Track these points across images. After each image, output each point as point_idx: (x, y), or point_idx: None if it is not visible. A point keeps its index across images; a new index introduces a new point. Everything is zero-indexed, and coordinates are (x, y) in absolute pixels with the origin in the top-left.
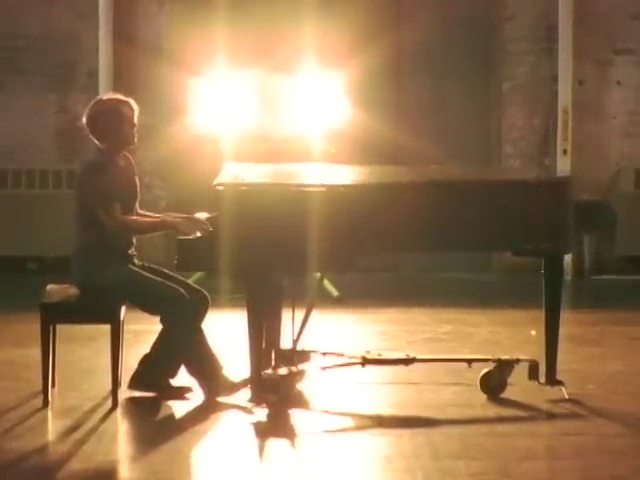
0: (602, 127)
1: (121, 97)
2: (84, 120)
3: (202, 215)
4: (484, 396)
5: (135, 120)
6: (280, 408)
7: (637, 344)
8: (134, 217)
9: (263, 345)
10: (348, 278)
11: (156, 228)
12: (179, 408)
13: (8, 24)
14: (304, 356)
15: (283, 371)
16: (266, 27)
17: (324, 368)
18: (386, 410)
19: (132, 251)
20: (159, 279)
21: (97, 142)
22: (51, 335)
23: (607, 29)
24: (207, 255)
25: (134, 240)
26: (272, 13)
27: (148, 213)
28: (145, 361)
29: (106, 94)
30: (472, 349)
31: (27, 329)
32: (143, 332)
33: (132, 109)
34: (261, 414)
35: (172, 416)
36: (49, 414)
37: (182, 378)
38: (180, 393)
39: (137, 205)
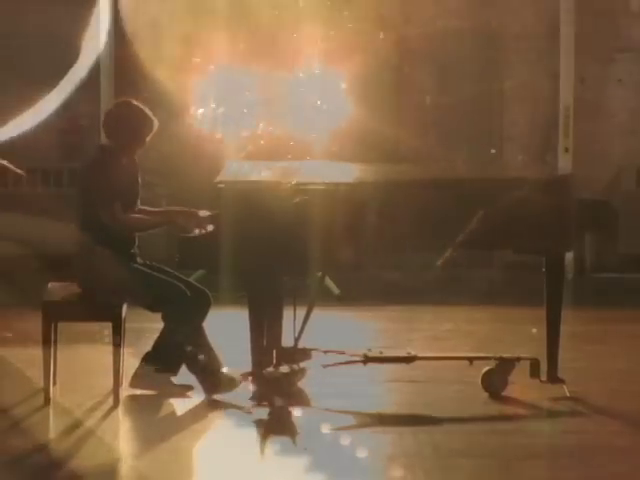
0: (604, 125)
1: (150, 113)
2: (107, 114)
3: (204, 213)
4: (485, 394)
5: (147, 139)
6: (281, 406)
7: (638, 342)
8: (134, 215)
9: (264, 343)
10: (349, 276)
11: (156, 224)
12: (180, 406)
13: (9, 24)
14: (305, 354)
15: (284, 369)
16: (266, 26)
17: (325, 366)
18: (387, 408)
19: (134, 249)
20: (161, 276)
21: (106, 138)
22: (53, 333)
23: (609, 27)
24: (208, 253)
25: (136, 239)
26: (272, 12)
27: (148, 209)
28: (146, 359)
29: (134, 101)
30: (473, 347)
31: (29, 327)
32: (144, 330)
33: (152, 130)
34: (262, 412)
35: (173, 414)
36: (51, 412)
37: (183, 376)
38: (181, 391)
39: (138, 202)
